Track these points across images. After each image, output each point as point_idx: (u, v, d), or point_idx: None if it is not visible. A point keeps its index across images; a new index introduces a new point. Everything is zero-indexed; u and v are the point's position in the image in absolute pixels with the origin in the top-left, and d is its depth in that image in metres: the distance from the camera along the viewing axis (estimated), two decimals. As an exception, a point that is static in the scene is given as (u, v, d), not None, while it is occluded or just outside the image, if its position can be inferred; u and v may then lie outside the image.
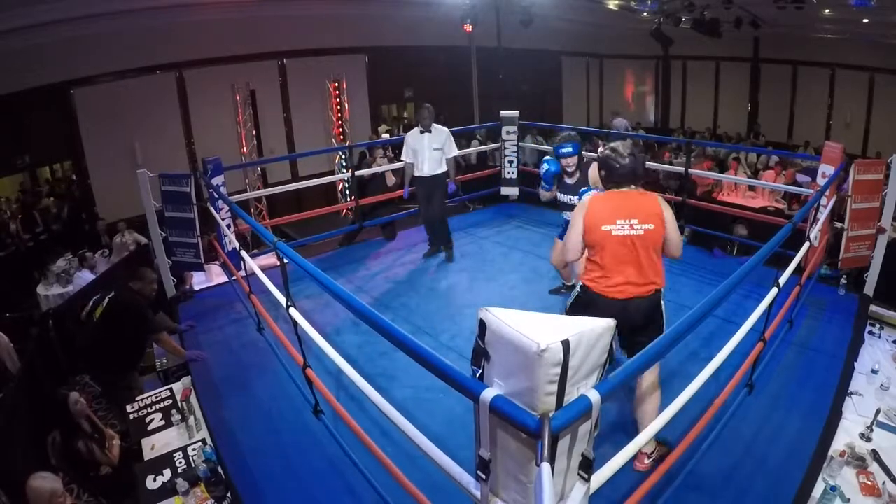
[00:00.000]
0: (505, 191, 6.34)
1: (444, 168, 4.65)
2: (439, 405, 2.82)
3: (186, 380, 3.21)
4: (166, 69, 8.08)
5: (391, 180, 5.83)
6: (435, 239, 4.97)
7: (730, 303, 3.70)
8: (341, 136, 9.48)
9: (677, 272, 4.40)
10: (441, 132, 4.60)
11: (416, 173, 4.63)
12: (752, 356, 2.67)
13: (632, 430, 2.54)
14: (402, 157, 4.74)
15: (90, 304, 3.42)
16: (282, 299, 2.69)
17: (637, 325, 2.25)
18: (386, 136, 9.59)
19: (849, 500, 2.17)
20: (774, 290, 2.62)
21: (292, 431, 2.79)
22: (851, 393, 2.82)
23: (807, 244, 3.29)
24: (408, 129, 10.58)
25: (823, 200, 3.72)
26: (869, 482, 2.24)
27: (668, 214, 2.23)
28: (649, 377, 2.31)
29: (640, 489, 1.94)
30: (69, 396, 3.02)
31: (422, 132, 4.55)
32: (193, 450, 2.63)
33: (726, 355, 2.25)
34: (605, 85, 14.27)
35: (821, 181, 4.05)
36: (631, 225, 2.18)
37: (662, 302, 2.30)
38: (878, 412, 2.61)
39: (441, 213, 4.79)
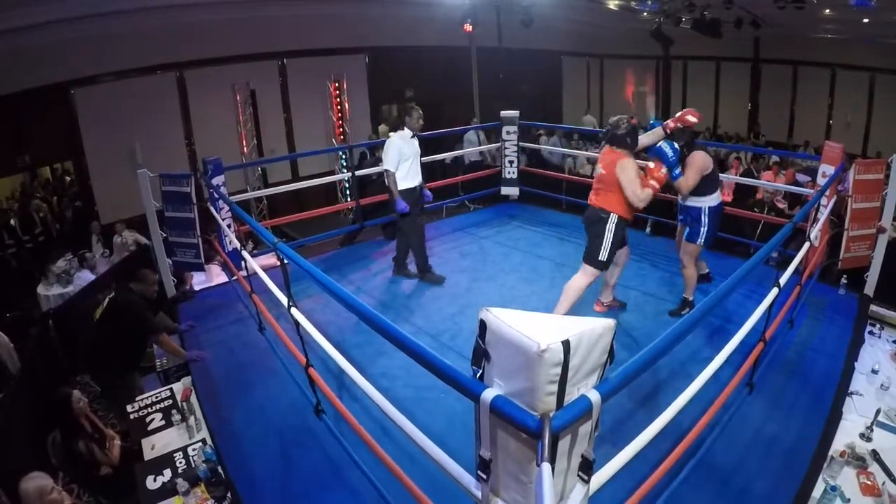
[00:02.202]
0: (505, 191, 6.34)
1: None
2: (440, 405, 2.82)
3: (187, 380, 3.21)
4: (166, 69, 8.08)
5: None
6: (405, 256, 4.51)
7: (730, 303, 3.71)
8: (341, 136, 9.48)
9: (677, 272, 4.40)
10: (416, 138, 4.28)
11: (407, 184, 4.18)
12: (752, 356, 2.67)
13: (632, 430, 2.54)
14: (389, 167, 4.10)
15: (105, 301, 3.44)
16: (283, 299, 2.69)
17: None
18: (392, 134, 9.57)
19: (849, 500, 2.17)
20: (775, 291, 2.62)
21: (293, 431, 2.79)
22: (852, 393, 2.81)
23: (807, 244, 3.29)
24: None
25: (823, 200, 3.72)
26: (869, 482, 2.24)
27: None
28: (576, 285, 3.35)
29: (640, 489, 1.94)
30: (72, 394, 3.02)
31: (413, 136, 4.18)
32: (194, 450, 2.63)
33: (726, 355, 2.26)
34: (605, 85, 14.27)
35: (821, 181, 4.05)
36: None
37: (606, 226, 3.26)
38: (878, 412, 2.61)
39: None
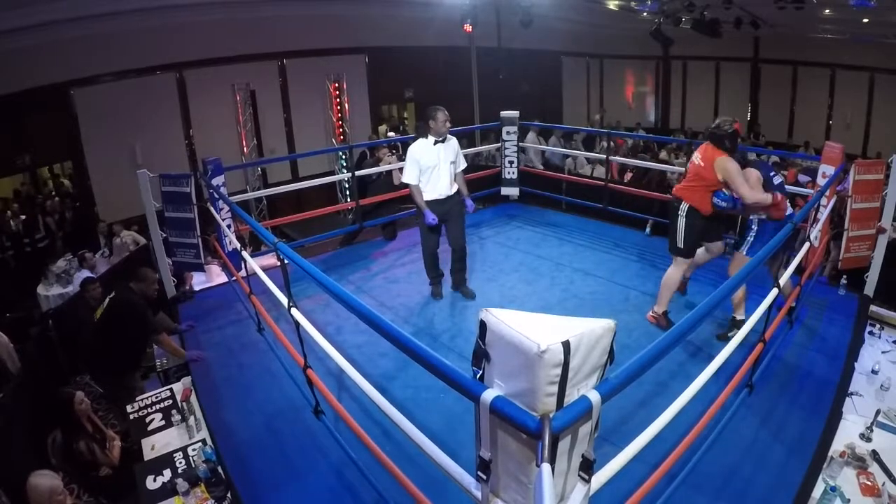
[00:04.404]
0: (505, 191, 6.34)
1: (457, 185, 3.97)
2: (439, 405, 2.82)
3: (187, 380, 3.21)
4: (166, 69, 8.08)
5: (398, 179, 5.73)
6: (437, 274, 4.18)
7: (730, 303, 3.71)
8: (341, 136, 9.48)
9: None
10: (453, 141, 3.90)
11: (430, 195, 3.85)
12: (752, 356, 2.67)
13: (632, 431, 2.55)
14: (408, 181, 3.82)
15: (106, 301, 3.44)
16: (283, 300, 2.69)
17: None
18: (392, 134, 9.57)
19: (849, 500, 2.17)
20: (775, 291, 2.62)
21: (292, 432, 2.79)
22: (851, 393, 2.82)
23: (807, 244, 3.29)
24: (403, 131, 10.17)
25: (823, 201, 3.72)
26: (869, 482, 2.24)
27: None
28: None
29: (640, 489, 1.94)
30: (75, 395, 3.02)
31: (436, 143, 3.79)
32: (193, 450, 2.63)
33: (726, 355, 2.26)
34: (605, 85, 14.27)
35: (821, 181, 4.05)
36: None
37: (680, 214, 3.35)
38: (878, 412, 2.61)
39: (463, 239, 4.07)
